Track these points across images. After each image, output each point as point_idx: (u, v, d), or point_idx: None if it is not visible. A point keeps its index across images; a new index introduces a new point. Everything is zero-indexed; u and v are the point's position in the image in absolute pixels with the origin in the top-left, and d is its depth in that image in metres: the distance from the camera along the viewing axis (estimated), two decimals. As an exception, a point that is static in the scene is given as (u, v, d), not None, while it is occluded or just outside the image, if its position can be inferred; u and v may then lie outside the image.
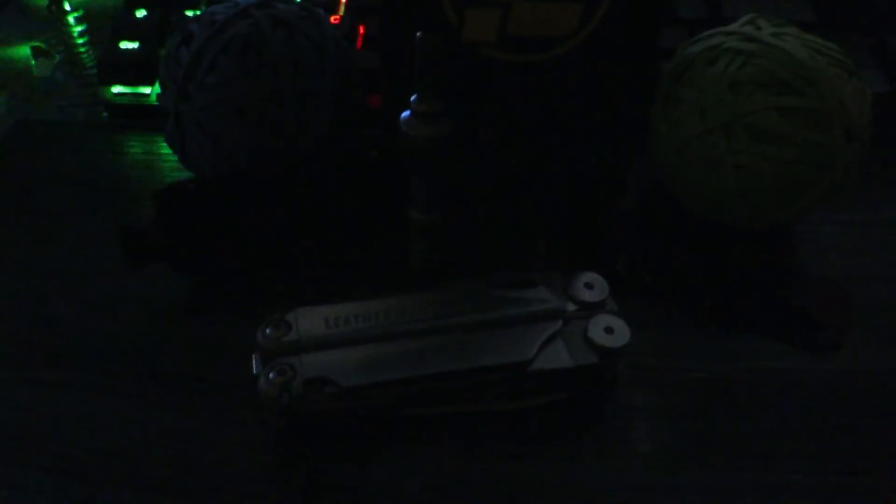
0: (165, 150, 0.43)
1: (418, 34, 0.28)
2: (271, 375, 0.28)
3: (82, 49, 0.48)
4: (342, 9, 0.49)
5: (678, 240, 0.38)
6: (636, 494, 0.29)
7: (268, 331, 0.30)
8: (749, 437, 0.31)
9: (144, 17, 0.47)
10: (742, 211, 0.35)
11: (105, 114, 0.46)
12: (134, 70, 0.45)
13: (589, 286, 0.32)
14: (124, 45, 0.46)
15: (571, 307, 0.32)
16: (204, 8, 0.49)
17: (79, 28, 0.48)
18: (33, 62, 0.49)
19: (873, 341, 0.34)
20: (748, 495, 0.29)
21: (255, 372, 0.30)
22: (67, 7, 0.46)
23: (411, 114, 0.30)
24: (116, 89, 0.45)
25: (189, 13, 0.49)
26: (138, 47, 0.45)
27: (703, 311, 0.35)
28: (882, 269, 0.37)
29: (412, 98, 0.30)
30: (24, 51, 0.51)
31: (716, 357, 0.33)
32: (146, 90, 0.45)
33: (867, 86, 0.35)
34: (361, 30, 0.48)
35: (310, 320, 0.30)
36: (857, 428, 0.31)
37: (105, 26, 0.48)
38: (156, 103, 0.45)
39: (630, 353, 0.31)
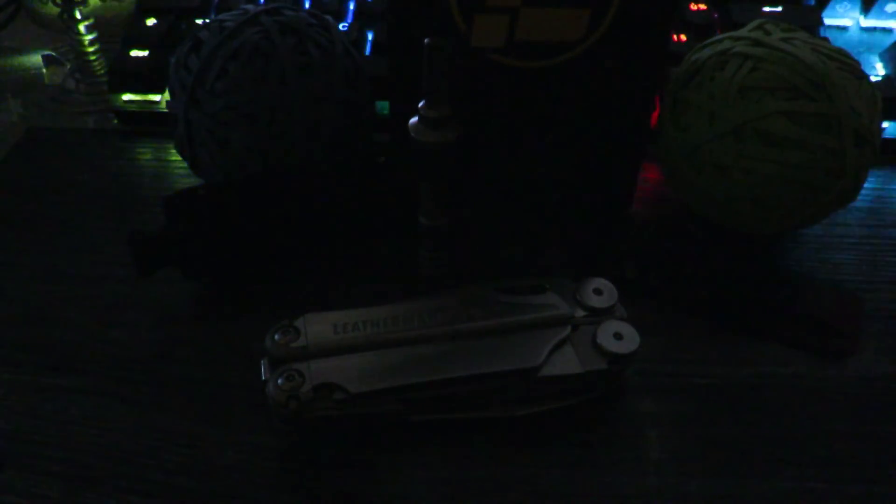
0: (175, 156, 0.43)
1: (426, 40, 0.28)
2: (280, 381, 0.28)
3: (93, 57, 0.49)
4: (350, 15, 0.49)
5: (687, 245, 0.38)
6: (645, 501, 0.29)
7: (276, 336, 0.30)
8: (759, 444, 0.30)
9: (154, 24, 0.48)
10: (752, 216, 0.35)
11: (115, 121, 0.46)
12: (144, 77, 0.45)
13: (598, 292, 0.32)
14: (134, 52, 0.46)
15: (580, 313, 0.31)
16: (213, 15, 0.49)
17: (89, 36, 0.48)
18: (44, 70, 0.49)
19: (886, 347, 0.34)
20: (758, 502, 0.29)
21: (263, 377, 0.30)
22: (78, 15, 0.47)
23: (419, 119, 0.30)
24: (127, 96, 0.46)
25: (198, 21, 0.49)
26: (148, 55, 0.46)
27: (713, 317, 0.35)
28: (893, 275, 0.37)
29: (420, 104, 0.30)
30: (35, 59, 0.51)
31: (726, 363, 0.33)
32: (156, 97, 0.46)
33: (877, 90, 0.35)
34: (369, 36, 0.48)
35: (318, 326, 0.30)
36: (870, 435, 0.31)
37: (115, 34, 0.49)
38: (165, 110, 0.45)
39: (639, 359, 0.31)
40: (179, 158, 0.39)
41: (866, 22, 0.51)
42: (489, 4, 0.32)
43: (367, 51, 0.47)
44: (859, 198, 0.36)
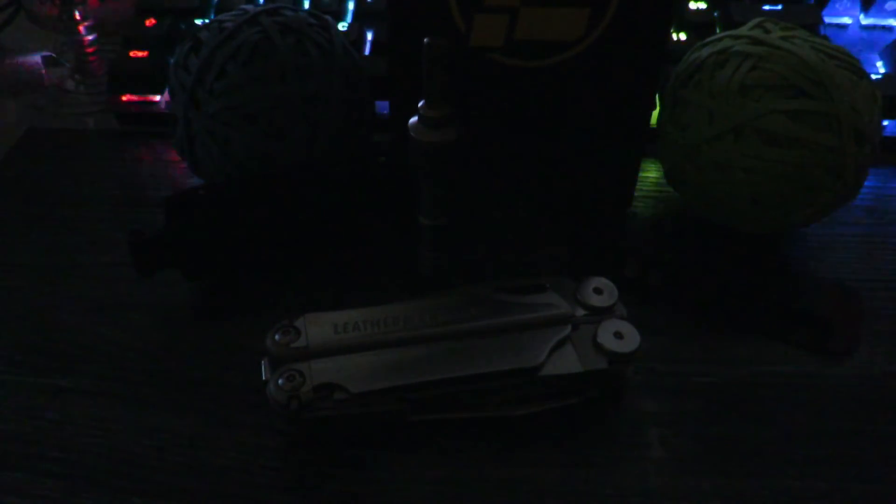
0: (175, 156, 0.43)
1: (426, 40, 0.28)
2: (280, 381, 0.28)
3: (93, 58, 0.49)
4: (350, 15, 0.49)
5: (688, 244, 0.38)
6: (647, 500, 0.29)
7: (277, 337, 0.30)
8: (760, 443, 0.30)
9: (154, 25, 0.48)
10: (752, 215, 0.35)
11: (115, 121, 0.46)
12: (144, 78, 0.45)
13: (598, 291, 0.32)
14: (134, 52, 0.46)
15: (581, 312, 0.31)
16: (213, 16, 0.49)
17: (89, 36, 0.48)
18: (44, 71, 0.49)
19: (886, 345, 0.34)
20: (760, 501, 0.29)
21: (264, 378, 0.30)
22: (78, 15, 0.47)
23: (419, 119, 0.30)
24: (126, 97, 0.46)
25: (198, 21, 0.49)
26: (148, 55, 0.46)
27: (714, 316, 0.35)
28: (894, 273, 0.37)
29: (420, 104, 0.30)
30: (35, 59, 0.51)
31: (726, 362, 0.33)
32: (156, 98, 0.46)
33: (877, 88, 0.35)
34: (369, 36, 0.48)
35: (318, 326, 0.30)
36: (871, 433, 0.31)
37: (115, 34, 0.49)
38: (165, 111, 0.45)
39: (640, 358, 0.31)
40: (179, 158, 0.39)
41: (866, 20, 0.51)
42: (488, 4, 0.32)
43: (367, 51, 0.47)
44: (859, 197, 0.36)
